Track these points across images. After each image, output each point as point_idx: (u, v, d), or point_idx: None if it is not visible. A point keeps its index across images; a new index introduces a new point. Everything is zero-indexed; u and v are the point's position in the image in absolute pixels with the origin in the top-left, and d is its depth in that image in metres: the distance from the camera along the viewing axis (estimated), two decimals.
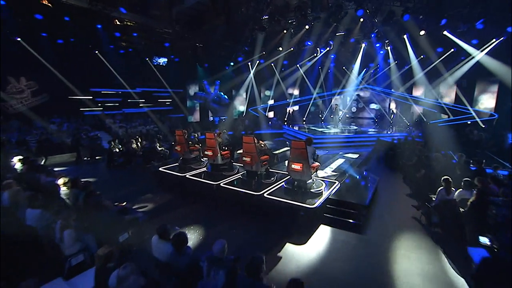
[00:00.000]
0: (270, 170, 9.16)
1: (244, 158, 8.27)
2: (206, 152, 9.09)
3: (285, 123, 22.05)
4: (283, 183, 8.20)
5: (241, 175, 8.99)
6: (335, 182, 8.47)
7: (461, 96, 17.45)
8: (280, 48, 20.54)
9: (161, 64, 20.14)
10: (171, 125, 19.21)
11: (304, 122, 23.56)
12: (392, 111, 22.63)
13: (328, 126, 20.91)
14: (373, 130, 18.95)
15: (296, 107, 25.43)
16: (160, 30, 17.44)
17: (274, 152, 12.65)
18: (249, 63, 23.23)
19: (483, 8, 12.93)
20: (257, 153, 8.25)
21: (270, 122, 21.25)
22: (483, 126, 15.15)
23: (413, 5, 12.08)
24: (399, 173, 10.98)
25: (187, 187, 8.96)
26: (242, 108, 25.18)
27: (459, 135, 13.85)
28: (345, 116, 24.37)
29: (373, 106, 24.32)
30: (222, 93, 21.60)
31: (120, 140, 12.94)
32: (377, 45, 18.81)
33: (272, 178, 8.68)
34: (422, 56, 18.80)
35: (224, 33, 19.35)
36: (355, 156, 12.82)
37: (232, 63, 23.23)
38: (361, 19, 14.35)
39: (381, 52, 20.57)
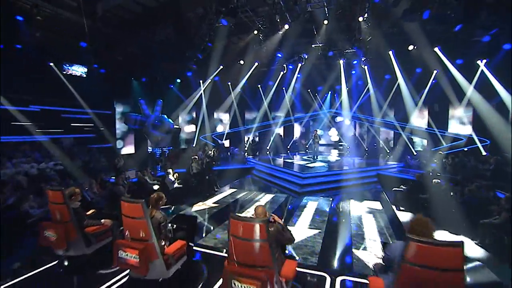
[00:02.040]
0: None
1: (244, 284, 2.60)
2: (121, 256, 3.18)
3: (246, 154, 16.79)
4: None
5: None
6: None
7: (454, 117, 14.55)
8: (242, 62, 15.72)
9: (78, 75, 13.42)
10: (89, 161, 12.32)
11: (268, 153, 18.59)
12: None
13: (296, 156, 16.31)
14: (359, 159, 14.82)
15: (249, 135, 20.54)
16: (75, 25, 11.17)
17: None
18: (201, 81, 17.85)
19: (499, 16, 10.04)
20: (274, 262, 2.70)
21: (229, 154, 15.76)
22: (485, 154, 12.11)
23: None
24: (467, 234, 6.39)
25: None
26: (191, 135, 19.26)
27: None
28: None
29: (319, 132, 21.03)
30: (165, 116, 15.58)
31: None
32: (354, 62, 15.32)
33: None
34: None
35: (171, 38, 13.79)
36: (377, 206, 8.07)
37: (178, 80, 17.52)
38: (360, 18, 10.33)
39: (353, 72, 17.24)
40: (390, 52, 13.42)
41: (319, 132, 15.06)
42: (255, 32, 11.59)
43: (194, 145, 17.92)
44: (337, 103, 20.18)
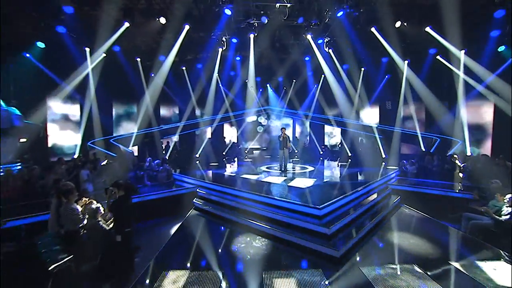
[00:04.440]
0: None
1: None
2: None
3: (171, 167, 9.89)
4: None
5: None
6: None
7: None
8: (163, 20, 9.07)
9: None
10: None
11: (198, 163, 12.32)
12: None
13: (233, 165, 10.75)
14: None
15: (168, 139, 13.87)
16: None
17: None
18: (87, 49, 10.01)
19: None
20: None
21: (146, 171, 8.68)
22: (469, 155, 9.88)
23: None
24: None
25: None
26: (75, 140, 10.94)
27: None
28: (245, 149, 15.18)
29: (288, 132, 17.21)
30: (2, 104, 7.26)
31: None
32: (320, 41, 11.10)
33: None
34: (363, 69, 12.69)
35: None
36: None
37: (42, 44, 9.20)
38: None
39: (307, 58, 13.12)
40: (373, 29, 9.72)
41: (287, 132, 9.97)
42: None
43: (75, 156, 9.90)
44: (278, 100, 15.86)
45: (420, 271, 3.70)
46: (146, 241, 4.80)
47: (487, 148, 10.52)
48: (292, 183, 6.99)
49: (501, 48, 9.46)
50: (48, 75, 9.73)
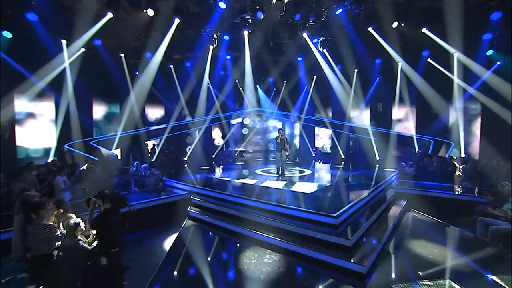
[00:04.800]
0: None
1: None
2: None
3: (158, 172, 8.95)
4: None
5: None
6: None
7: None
8: (151, 12, 8.26)
9: None
10: None
11: (186, 165, 11.55)
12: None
13: (220, 169, 10.08)
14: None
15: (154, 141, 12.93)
16: None
17: None
18: (63, 41, 8.96)
19: None
20: None
21: (133, 176, 7.79)
22: (464, 156, 9.86)
23: None
24: None
25: None
26: (48, 142, 9.73)
27: None
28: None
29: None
30: None
31: None
32: (315, 40, 10.72)
33: None
34: (356, 70, 12.46)
35: None
36: None
37: (9, 34, 8.05)
38: None
39: (299, 59, 12.71)
40: (370, 28, 9.45)
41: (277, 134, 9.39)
42: None
43: (49, 160, 8.80)
44: (269, 101, 15.36)
45: (458, 287, 3.26)
46: (137, 259, 4.04)
47: (475, 150, 10.60)
48: (294, 188, 6.44)
49: (489, 52, 9.55)
50: (15, 68, 8.56)
